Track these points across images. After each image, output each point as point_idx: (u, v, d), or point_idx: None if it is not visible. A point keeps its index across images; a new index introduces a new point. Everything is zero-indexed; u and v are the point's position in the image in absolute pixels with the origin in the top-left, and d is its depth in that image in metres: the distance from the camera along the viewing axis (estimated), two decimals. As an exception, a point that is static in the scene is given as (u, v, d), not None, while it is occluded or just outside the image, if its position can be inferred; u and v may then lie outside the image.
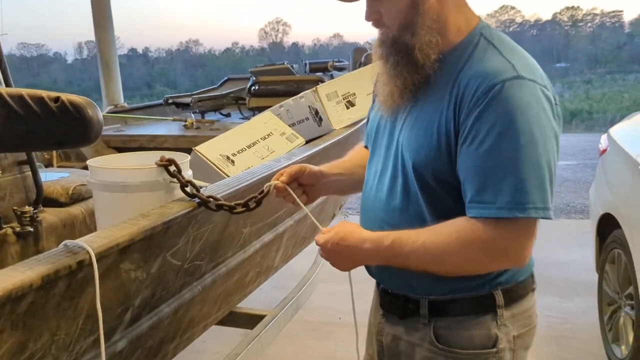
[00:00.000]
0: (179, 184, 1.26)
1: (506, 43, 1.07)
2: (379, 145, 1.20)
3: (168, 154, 1.30)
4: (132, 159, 1.37)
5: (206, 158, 1.87)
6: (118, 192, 1.22)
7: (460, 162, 1.02)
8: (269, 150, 2.09)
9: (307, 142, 2.26)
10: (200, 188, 1.35)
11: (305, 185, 1.28)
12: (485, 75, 1.00)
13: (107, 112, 3.77)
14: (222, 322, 2.14)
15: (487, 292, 1.09)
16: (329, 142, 2.18)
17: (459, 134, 1.02)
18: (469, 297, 1.09)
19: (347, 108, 2.50)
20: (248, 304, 2.26)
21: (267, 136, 2.16)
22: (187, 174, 1.36)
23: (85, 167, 2.59)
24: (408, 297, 1.14)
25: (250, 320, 2.27)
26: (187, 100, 3.70)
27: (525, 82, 0.99)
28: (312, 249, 3.03)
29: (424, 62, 1.05)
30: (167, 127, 3.50)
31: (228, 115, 3.91)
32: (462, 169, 1.02)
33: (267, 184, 1.25)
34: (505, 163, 0.97)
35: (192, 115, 3.58)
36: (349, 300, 1.21)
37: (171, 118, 3.50)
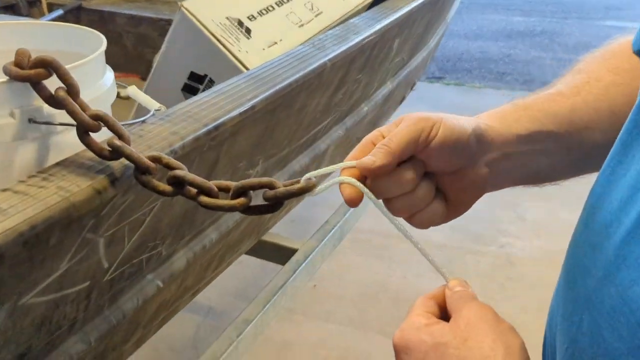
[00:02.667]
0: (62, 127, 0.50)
1: None
2: None
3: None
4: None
5: (200, 23, 1.07)
6: None
7: None
8: (313, 10, 1.25)
9: (377, 0, 1.39)
10: (145, 119, 0.59)
11: (438, 172, 0.49)
12: None
13: None
14: (247, 253, 1.53)
15: None
16: (414, 5, 1.30)
17: None
18: None
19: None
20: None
21: (312, -15, 1.30)
22: (100, 83, 0.59)
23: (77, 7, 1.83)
24: None
25: (280, 254, 1.63)
26: None
27: None
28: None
29: None
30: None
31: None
32: None
33: (310, 175, 0.48)
34: None
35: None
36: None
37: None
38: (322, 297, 2.10)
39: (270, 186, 0.47)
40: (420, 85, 2.85)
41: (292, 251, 1.59)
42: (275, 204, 0.47)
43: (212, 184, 0.50)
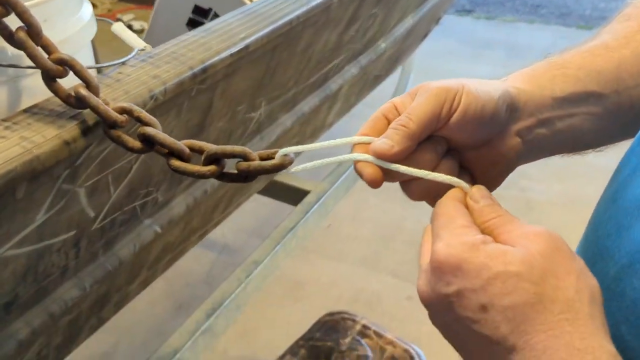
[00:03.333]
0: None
1: None
2: None
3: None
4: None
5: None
6: None
7: None
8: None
9: None
10: (125, 60, 0.55)
11: (462, 148, 0.43)
12: None
13: None
14: (259, 193, 1.52)
15: None
16: None
17: None
18: None
19: None
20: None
21: None
22: (76, 19, 0.54)
23: None
24: None
25: (292, 195, 1.61)
26: None
27: None
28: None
29: None
30: None
31: None
32: None
33: (287, 150, 0.43)
34: None
35: None
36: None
37: None
38: (336, 237, 2.09)
39: (245, 157, 0.43)
40: (448, 18, 2.70)
41: (305, 192, 1.57)
42: (248, 176, 0.44)
43: (186, 144, 0.46)
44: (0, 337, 0.63)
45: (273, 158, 0.43)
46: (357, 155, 0.41)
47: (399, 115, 0.41)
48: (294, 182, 1.61)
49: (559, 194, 2.09)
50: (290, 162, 0.43)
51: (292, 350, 1.35)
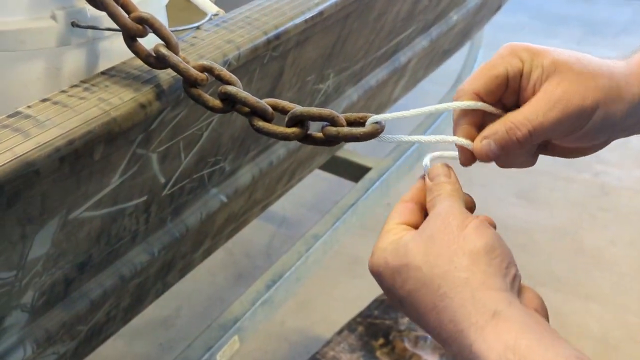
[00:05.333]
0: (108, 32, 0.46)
1: None
2: None
3: None
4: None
5: None
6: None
7: None
8: None
9: None
10: (199, 25, 0.54)
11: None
12: None
13: None
14: (321, 168, 1.51)
15: None
16: None
17: None
18: None
19: None
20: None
21: None
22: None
23: None
24: None
25: (354, 171, 1.59)
26: None
27: None
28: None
29: None
30: None
31: None
32: None
33: (379, 118, 0.41)
34: None
35: None
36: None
37: None
38: (397, 215, 2.06)
39: (332, 121, 0.41)
40: (522, -9, 2.56)
41: (366, 169, 1.54)
42: (333, 141, 0.42)
43: (268, 103, 0.45)
44: (75, 295, 0.65)
45: (360, 122, 0.42)
46: (458, 139, 0.42)
47: (521, 84, 0.39)
48: (355, 158, 1.59)
49: (637, 180, 1.97)
50: (382, 130, 0.41)
51: (350, 326, 1.34)
